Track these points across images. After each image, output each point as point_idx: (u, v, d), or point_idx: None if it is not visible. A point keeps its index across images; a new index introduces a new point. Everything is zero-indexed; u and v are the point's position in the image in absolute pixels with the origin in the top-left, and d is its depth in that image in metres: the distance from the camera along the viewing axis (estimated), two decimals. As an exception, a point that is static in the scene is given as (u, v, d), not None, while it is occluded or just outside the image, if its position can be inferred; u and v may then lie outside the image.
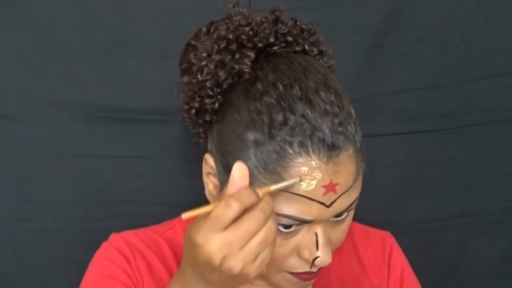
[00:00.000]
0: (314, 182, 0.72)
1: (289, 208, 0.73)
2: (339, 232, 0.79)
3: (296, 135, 0.72)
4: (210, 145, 0.82)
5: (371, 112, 1.11)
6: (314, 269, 0.78)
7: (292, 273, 0.79)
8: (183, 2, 1.05)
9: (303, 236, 0.76)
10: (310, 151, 0.72)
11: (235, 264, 0.66)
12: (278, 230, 0.74)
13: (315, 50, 0.83)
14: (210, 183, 0.83)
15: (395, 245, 0.97)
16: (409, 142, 1.16)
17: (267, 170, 0.73)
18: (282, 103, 0.74)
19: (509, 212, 1.22)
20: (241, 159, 0.74)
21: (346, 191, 0.75)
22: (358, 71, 1.11)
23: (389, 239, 0.97)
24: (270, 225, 0.67)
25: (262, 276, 0.84)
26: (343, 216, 0.78)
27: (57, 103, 1.03)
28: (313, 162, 0.72)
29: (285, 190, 0.72)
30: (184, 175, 1.08)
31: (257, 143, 0.74)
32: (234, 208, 0.65)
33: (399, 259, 0.96)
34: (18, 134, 1.03)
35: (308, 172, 0.72)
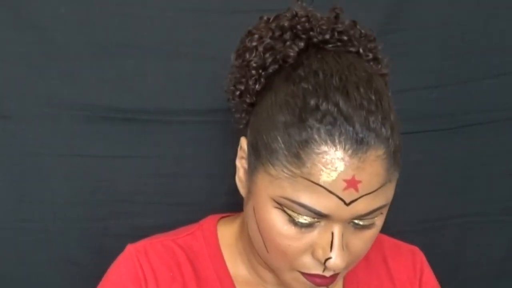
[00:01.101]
0: (334, 174, 0.70)
1: (305, 197, 0.72)
2: (361, 241, 0.77)
3: (325, 122, 0.71)
4: (248, 131, 0.82)
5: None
6: (327, 273, 0.76)
7: (303, 274, 0.77)
8: (183, 2, 1.05)
9: (319, 234, 0.75)
10: (336, 140, 0.70)
11: None
12: (294, 221, 0.73)
13: (370, 55, 0.81)
14: (241, 168, 0.83)
15: (426, 262, 0.96)
16: (409, 142, 1.15)
17: (291, 153, 0.72)
18: (318, 90, 0.72)
19: (509, 212, 1.22)
20: (269, 139, 0.74)
21: (370, 193, 0.72)
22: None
23: (420, 255, 0.96)
24: None
25: (275, 275, 0.83)
26: (366, 223, 0.75)
27: (57, 103, 1.03)
28: (337, 153, 0.70)
29: (305, 177, 0.71)
30: (184, 175, 1.08)
31: (286, 125, 0.73)
32: None
33: (431, 278, 0.95)
34: (18, 134, 1.03)
35: (330, 162, 0.70)
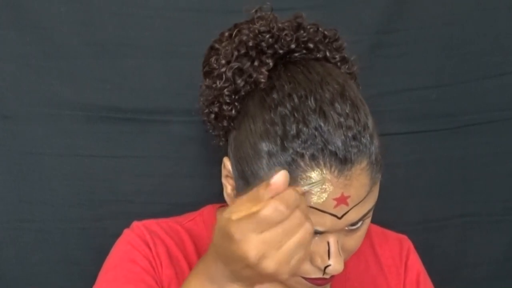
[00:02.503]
0: (324, 195, 0.72)
1: None
2: (354, 240, 0.79)
3: (308, 147, 0.72)
4: (228, 150, 0.83)
5: (371, 112, 1.11)
6: (327, 276, 0.78)
7: (305, 278, 0.79)
8: (183, 2, 1.05)
9: (316, 244, 0.76)
10: (322, 164, 0.72)
11: (271, 264, 0.65)
12: None
13: (337, 57, 0.83)
14: (228, 185, 0.84)
15: (412, 248, 0.97)
16: (409, 142, 1.16)
17: None
18: (296, 115, 0.74)
19: (509, 212, 1.22)
20: (255, 168, 0.75)
21: (359, 203, 0.74)
22: (358, 71, 1.11)
23: (407, 242, 0.97)
24: (307, 226, 0.66)
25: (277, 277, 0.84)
26: (358, 225, 0.77)
27: (57, 103, 1.03)
28: (324, 176, 0.72)
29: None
30: (184, 174, 1.08)
31: (270, 154, 0.74)
32: (283, 212, 0.64)
33: (416, 263, 0.96)
34: (18, 134, 1.03)
35: (319, 185, 0.72)
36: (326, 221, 0.74)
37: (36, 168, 1.04)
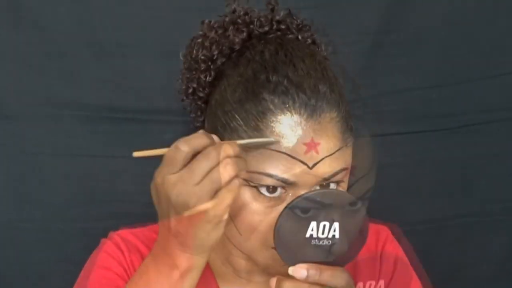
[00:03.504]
0: (294, 138, 0.73)
1: (270, 166, 0.74)
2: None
3: (278, 92, 0.74)
4: (205, 124, 0.84)
5: (371, 112, 1.11)
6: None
7: None
8: (183, 2, 1.05)
9: None
10: (291, 108, 0.74)
11: (189, 198, 0.67)
12: (262, 194, 0.75)
13: (309, 40, 0.85)
14: None
15: (390, 238, 0.96)
16: (409, 142, 1.16)
17: (250, 127, 0.75)
18: (266, 66, 0.76)
19: (509, 212, 1.22)
20: (227, 120, 0.77)
21: (330, 155, 0.75)
22: (358, 71, 1.11)
23: (385, 232, 0.96)
24: (227, 163, 0.68)
25: (258, 269, 0.84)
26: (332, 185, 0.77)
27: (57, 103, 1.03)
28: (293, 118, 0.73)
29: (262, 147, 0.74)
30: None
31: (241, 102, 0.76)
32: (183, 149, 0.68)
33: (394, 250, 0.95)
34: (18, 134, 1.03)
35: (288, 128, 0.73)
36: (296, 170, 0.74)
37: (36, 168, 1.04)
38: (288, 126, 0.73)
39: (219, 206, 0.68)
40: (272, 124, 0.74)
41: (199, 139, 0.70)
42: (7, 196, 1.04)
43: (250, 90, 0.76)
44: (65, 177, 1.05)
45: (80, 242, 1.06)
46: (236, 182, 0.70)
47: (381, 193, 1.13)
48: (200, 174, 0.68)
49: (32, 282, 1.06)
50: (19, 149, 1.03)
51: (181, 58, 0.87)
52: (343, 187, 0.80)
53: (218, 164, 0.68)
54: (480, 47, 1.16)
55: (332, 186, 0.78)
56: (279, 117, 0.74)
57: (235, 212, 0.77)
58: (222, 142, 0.71)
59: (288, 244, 0.73)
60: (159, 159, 1.07)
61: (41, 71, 1.02)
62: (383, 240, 0.96)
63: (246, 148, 0.74)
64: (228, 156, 0.69)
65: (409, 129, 1.15)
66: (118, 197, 1.07)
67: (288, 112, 0.74)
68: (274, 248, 0.77)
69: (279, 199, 0.76)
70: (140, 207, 1.08)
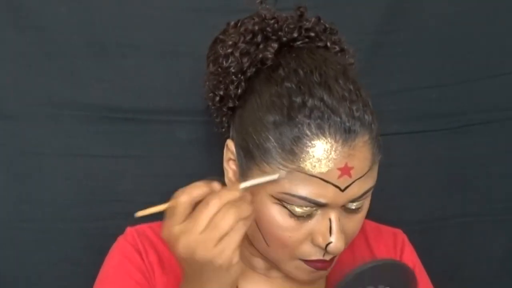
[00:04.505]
0: (329, 164, 0.74)
1: (304, 189, 0.75)
2: (354, 223, 0.81)
3: (314, 117, 0.75)
4: (232, 132, 0.85)
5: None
6: (327, 257, 0.80)
7: (305, 261, 0.80)
8: (183, 2, 1.05)
9: (317, 222, 0.78)
10: (327, 133, 0.74)
11: (194, 249, 0.69)
12: (293, 214, 0.77)
13: (337, 47, 0.86)
14: (230, 170, 0.85)
15: (407, 241, 0.98)
16: (409, 142, 1.16)
17: (284, 150, 0.75)
18: (301, 87, 0.76)
19: (509, 212, 1.22)
20: (261, 141, 0.77)
21: (361, 177, 0.76)
22: (358, 71, 1.11)
23: (401, 236, 0.98)
24: (228, 210, 0.69)
25: (275, 266, 0.85)
26: (358, 205, 0.79)
27: (57, 103, 1.03)
28: (329, 144, 0.74)
29: (301, 171, 0.74)
30: (184, 174, 1.08)
31: (276, 124, 0.76)
32: (182, 201, 0.71)
33: (411, 255, 0.97)
34: (18, 134, 1.03)
35: (324, 153, 0.74)
36: (329, 192, 0.75)
37: (36, 168, 1.04)
38: (323, 151, 0.74)
39: (226, 252, 0.69)
40: (307, 149, 0.75)
41: (197, 189, 0.72)
42: (7, 196, 1.04)
43: (286, 113, 0.76)
44: (65, 177, 1.05)
45: (80, 242, 1.06)
46: (241, 224, 0.70)
47: (381, 193, 1.13)
48: (203, 224, 0.69)
49: (32, 282, 1.06)
50: (19, 149, 1.03)
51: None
52: (367, 202, 0.82)
53: (219, 210, 0.69)
54: (480, 47, 1.16)
55: (357, 203, 0.79)
56: (314, 142, 0.74)
57: (266, 225, 0.79)
58: (223, 189, 0.72)
59: None
60: (161, 158, 1.08)
61: (41, 71, 1.02)
62: (401, 243, 0.97)
63: (278, 170, 0.76)
64: (228, 202, 0.70)
65: (409, 129, 1.15)
66: (118, 197, 1.07)
67: (323, 137, 0.74)
68: (300, 259, 0.80)
69: (309, 216, 0.78)
70: (140, 207, 1.08)
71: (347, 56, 0.87)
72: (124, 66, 1.04)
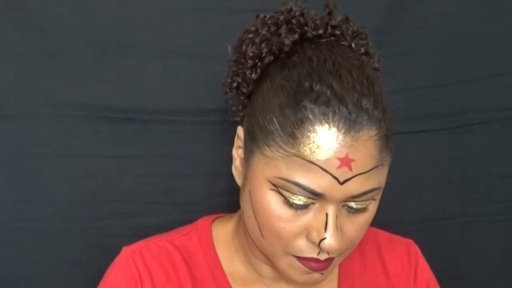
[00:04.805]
0: (329, 152, 0.72)
1: (301, 176, 0.73)
2: (354, 226, 0.78)
3: (319, 102, 0.73)
4: (245, 119, 0.84)
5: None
6: (322, 257, 0.77)
7: (298, 258, 0.78)
8: (183, 2, 1.05)
9: (314, 216, 0.76)
10: (330, 120, 0.73)
11: None
12: (289, 202, 0.75)
13: (362, 49, 0.84)
14: (237, 158, 0.84)
15: (420, 254, 0.97)
16: (409, 141, 1.16)
17: (286, 133, 0.74)
18: (312, 74, 0.75)
19: (509, 212, 1.22)
20: (265, 122, 0.76)
21: (363, 173, 0.74)
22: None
23: (414, 247, 0.97)
24: None
25: (272, 269, 0.84)
26: (360, 206, 0.77)
27: (57, 103, 1.03)
28: (331, 131, 0.72)
29: (300, 156, 0.73)
30: (184, 174, 1.08)
31: (281, 106, 0.75)
32: None
33: (426, 270, 0.95)
34: (18, 134, 1.03)
35: (325, 140, 0.72)
36: (326, 183, 0.73)
37: (36, 168, 1.04)
38: (324, 138, 0.72)
39: None
40: (308, 133, 0.73)
41: None
42: (7, 196, 1.04)
43: (292, 96, 0.74)
44: (65, 177, 1.05)
45: (80, 242, 1.06)
46: None
47: (381, 193, 1.14)
48: None
49: (32, 282, 1.06)
50: (19, 149, 1.03)
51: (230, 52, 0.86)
52: (374, 205, 0.79)
53: None
54: (480, 47, 1.15)
55: (358, 203, 0.77)
56: (316, 127, 0.73)
57: (262, 212, 0.77)
58: None
59: None
60: (160, 159, 1.08)
61: (41, 71, 1.02)
62: (414, 256, 0.95)
63: (278, 154, 0.74)
64: None
65: (409, 129, 1.15)
66: (118, 197, 1.07)
67: (326, 123, 0.73)
68: (294, 256, 0.78)
69: (306, 208, 0.76)
70: (140, 207, 1.08)
71: (371, 60, 0.85)
72: (124, 66, 1.04)
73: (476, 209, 1.20)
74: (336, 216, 0.76)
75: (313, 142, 0.72)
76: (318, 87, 0.73)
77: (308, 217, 0.76)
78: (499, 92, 1.17)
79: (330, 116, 0.72)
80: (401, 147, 1.15)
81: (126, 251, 0.88)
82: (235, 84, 0.84)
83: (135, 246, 0.88)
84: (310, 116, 0.73)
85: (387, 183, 1.14)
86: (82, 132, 1.04)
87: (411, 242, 0.97)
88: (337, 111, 0.72)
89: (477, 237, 1.21)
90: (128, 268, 0.86)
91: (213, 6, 1.05)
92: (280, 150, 0.74)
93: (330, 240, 0.75)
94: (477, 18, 1.15)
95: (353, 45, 0.83)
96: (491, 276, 1.23)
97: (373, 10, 1.11)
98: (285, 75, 0.77)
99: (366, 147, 0.74)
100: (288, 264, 0.80)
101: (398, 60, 1.13)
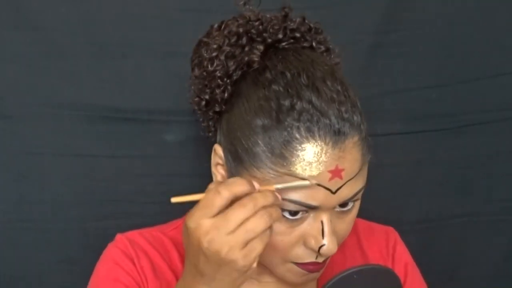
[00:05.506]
0: (319, 167, 0.74)
1: (295, 193, 0.74)
2: (345, 224, 0.80)
3: (303, 120, 0.74)
4: (219, 137, 0.84)
5: (371, 112, 1.10)
6: (320, 260, 0.79)
7: (297, 264, 0.80)
8: (183, 2, 1.05)
9: (309, 225, 0.77)
10: (317, 135, 0.73)
11: (221, 247, 0.68)
12: (284, 217, 0.76)
13: (322, 47, 0.85)
14: (218, 174, 0.85)
15: (399, 239, 0.98)
16: (409, 142, 1.16)
17: (274, 154, 0.74)
18: (289, 90, 0.75)
19: (509, 212, 1.22)
20: (249, 145, 0.76)
21: (352, 178, 0.76)
22: (358, 71, 1.11)
23: (393, 234, 0.98)
24: (262, 215, 0.68)
25: (268, 270, 0.84)
26: (349, 207, 0.79)
27: (57, 103, 1.03)
28: (319, 146, 0.73)
29: (292, 175, 0.74)
30: (184, 174, 1.08)
31: (265, 128, 0.75)
32: (223, 195, 0.68)
33: (403, 254, 0.96)
34: (18, 134, 1.03)
35: (314, 156, 0.73)
36: (320, 195, 0.75)
37: (36, 168, 1.04)
38: (313, 154, 0.74)
39: (249, 257, 0.69)
40: (297, 152, 0.74)
41: (240, 186, 0.70)
42: (7, 196, 1.04)
43: (275, 116, 0.75)
44: (65, 177, 1.05)
45: (80, 242, 1.06)
46: (268, 233, 0.70)
47: (381, 193, 1.14)
48: (235, 224, 0.68)
49: (32, 282, 1.06)
50: (19, 149, 1.03)
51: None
52: (358, 203, 0.81)
53: (253, 214, 0.69)
54: (480, 47, 1.16)
55: (350, 205, 0.79)
56: (304, 145, 0.74)
57: None
58: (259, 190, 0.71)
59: None
60: (161, 158, 1.08)
61: (41, 71, 1.02)
62: (393, 241, 0.97)
63: (269, 175, 0.75)
64: (264, 207, 0.69)
65: (409, 129, 1.15)
66: (118, 197, 1.07)
67: (313, 139, 0.73)
68: (292, 263, 0.79)
69: (300, 219, 0.77)
70: (140, 207, 1.09)
71: (332, 56, 0.86)
72: (124, 66, 1.04)
73: (476, 209, 1.21)
74: (330, 221, 0.77)
75: (303, 160, 0.73)
76: (298, 104, 0.74)
77: (303, 227, 0.78)
78: (498, 92, 1.17)
79: (315, 131, 0.73)
80: (401, 147, 1.16)
81: (120, 235, 0.89)
82: (203, 103, 0.84)
83: (129, 233, 0.89)
84: (297, 135, 0.74)
85: (387, 183, 1.15)
86: (82, 132, 1.04)
87: (390, 229, 0.99)
88: (321, 126, 0.74)
89: (477, 237, 1.21)
90: (124, 247, 0.87)
91: (213, 6, 1.05)
92: (271, 171, 0.75)
93: (329, 245, 0.77)
94: (477, 18, 1.15)
95: (314, 44, 0.84)
96: (491, 276, 1.23)
97: (373, 10, 1.11)
98: (262, 94, 0.77)
99: (352, 154, 0.75)
100: (287, 270, 0.81)
101: (398, 60, 1.13)
